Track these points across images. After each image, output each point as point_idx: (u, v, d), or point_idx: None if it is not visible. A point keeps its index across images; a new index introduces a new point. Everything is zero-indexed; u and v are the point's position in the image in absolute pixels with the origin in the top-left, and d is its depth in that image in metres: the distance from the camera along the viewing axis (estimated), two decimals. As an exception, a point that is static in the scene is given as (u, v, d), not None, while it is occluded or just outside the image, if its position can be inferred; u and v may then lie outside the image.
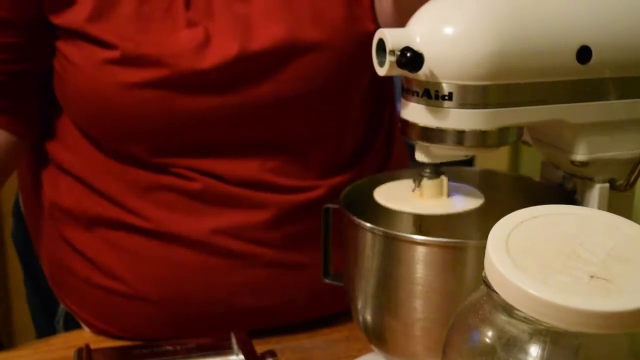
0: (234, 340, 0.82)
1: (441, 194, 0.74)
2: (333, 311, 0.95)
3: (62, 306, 1.00)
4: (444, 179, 0.74)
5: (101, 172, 0.89)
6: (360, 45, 0.85)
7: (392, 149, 1.00)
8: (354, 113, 0.94)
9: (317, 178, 0.91)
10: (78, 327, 0.98)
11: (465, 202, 0.74)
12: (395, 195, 0.76)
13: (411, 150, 0.74)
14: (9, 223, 1.21)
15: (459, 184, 0.77)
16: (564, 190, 0.78)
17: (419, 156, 0.72)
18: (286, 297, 0.92)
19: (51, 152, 0.92)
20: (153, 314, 0.90)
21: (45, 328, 1.05)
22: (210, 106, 0.83)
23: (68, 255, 0.92)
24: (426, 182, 0.74)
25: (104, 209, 0.89)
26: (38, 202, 0.95)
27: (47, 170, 0.93)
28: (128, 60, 0.81)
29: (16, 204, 1.10)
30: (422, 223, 0.77)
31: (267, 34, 0.83)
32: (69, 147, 0.91)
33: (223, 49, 0.82)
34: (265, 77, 0.84)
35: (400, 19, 0.72)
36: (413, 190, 0.74)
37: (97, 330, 0.94)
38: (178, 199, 0.87)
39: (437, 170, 0.73)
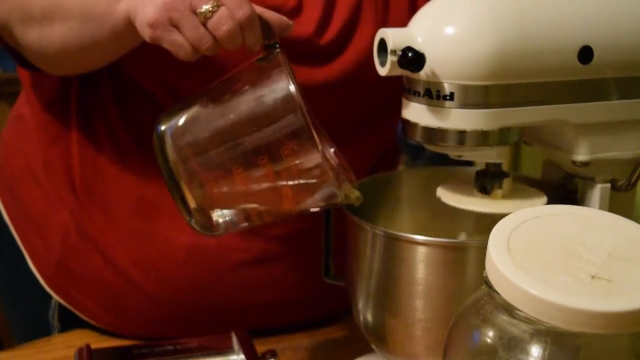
0: (234, 340, 0.82)
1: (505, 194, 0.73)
2: (334, 311, 0.94)
3: (54, 300, 0.98)
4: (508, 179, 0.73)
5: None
6: None
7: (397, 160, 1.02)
8: (387, 115, 0.94)
9: None
10: (73, 319, 0.96)
11: (528, 202, 0.73)
12: (460, 195, 0.75)
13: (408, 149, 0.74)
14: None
15: (522, 185, 0.77)
16: (565, 190, 0.78)
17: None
18: (289, 295, 0.92)
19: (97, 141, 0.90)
20: (156, 307, 0.90)
21: (38, 328, 1.02)
22: None
23: (80, 243, 0.92)
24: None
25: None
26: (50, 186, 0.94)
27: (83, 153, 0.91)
28: None
29: None
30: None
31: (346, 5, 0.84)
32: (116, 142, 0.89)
33: (310, 20, 0.83)
34: (338, 54, 0.84)
35: None
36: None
37: (101, 322, 0.94)
38: None
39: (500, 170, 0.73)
